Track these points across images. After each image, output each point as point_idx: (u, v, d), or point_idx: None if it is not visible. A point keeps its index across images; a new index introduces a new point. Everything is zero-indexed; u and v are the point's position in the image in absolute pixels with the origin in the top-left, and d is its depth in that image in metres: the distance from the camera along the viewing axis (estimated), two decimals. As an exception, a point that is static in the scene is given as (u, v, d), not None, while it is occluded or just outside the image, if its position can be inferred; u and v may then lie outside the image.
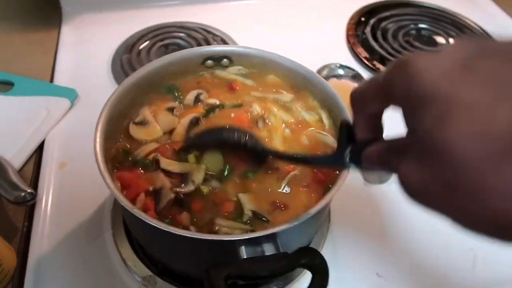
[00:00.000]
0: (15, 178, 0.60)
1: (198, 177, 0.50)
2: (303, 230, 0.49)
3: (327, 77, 0.84)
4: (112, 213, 0.61)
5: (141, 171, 0.50)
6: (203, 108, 0.58)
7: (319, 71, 0.84)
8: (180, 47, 0.89)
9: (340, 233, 0.61)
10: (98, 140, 0.47)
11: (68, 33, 0.94)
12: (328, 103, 0.57)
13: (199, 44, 0.90)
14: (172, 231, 0.40)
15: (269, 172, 0.51)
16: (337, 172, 0.47)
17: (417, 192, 0.27)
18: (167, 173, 0.50)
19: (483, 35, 0.98)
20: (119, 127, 0.54)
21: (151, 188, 0.48)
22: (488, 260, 0.60)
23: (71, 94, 0.77)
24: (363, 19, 1.03)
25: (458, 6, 1.07)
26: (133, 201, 0.47)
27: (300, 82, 0.59)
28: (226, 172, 0.50)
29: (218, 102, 0.58)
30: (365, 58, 0.90)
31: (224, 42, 0.92)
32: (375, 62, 0.89)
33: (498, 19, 1.07)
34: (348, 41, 0.95)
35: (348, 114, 0.50)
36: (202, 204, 0.48)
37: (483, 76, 0.23)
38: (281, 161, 0.50)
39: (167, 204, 0.48)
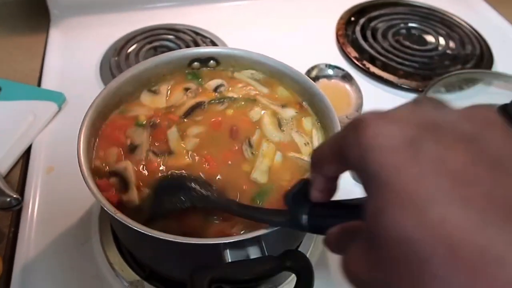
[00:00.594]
0: (0, 183, 0.60)
1: None
2: (289, 233, 0.48)
3: (316, 78, 0.84)
4: (99, 218, 0.61)
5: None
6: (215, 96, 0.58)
7: (309, 72, 0.84)
8: (169, 49, 0.89)
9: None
10: (81, 145, 0.46)
11: (56, 36, 0.93)
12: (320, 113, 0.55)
13: (188, 46, 0.89)
14: (155, 235, 0.39)
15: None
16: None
17: (353, 279, 0.26)
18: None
19: (474, 34, 0.98)
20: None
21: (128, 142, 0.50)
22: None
23: (58, 98, 0.77)
24: (353, 18, 1.02)
25: (448, 5, 1.07)
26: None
27: (289, 84, 0.59)
28: None
29: (235, 96, 0.58)
30: (355, 58, 0.90)
31: (213, 43, 0.92)
32: (365, 62, 0.89)
33: (487, 17, 1.07)
34: (338, 41, 0.95)
35: (338, 126, 0.50)
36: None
37: (426, 165, 0.22)
38: (234, 215, 0.45)
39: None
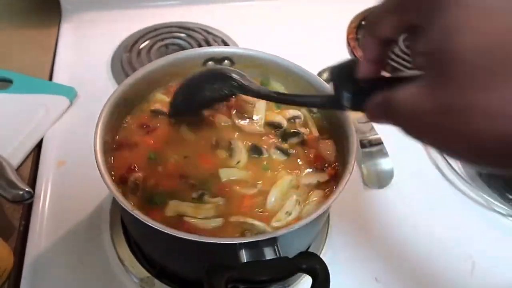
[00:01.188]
0: (13, 176, 0.60)
1: None
2: (303, 234, 0.49)
3: (327, 81, 0.84)
4: (110, 213, 0.61)
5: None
6: None
7: (319, 74, 0.84)
8: (180, 48, 0.89)
9: (339, 237, 0.61)
10: (98, 140, 0.46)
11: (68, 31, 0.93)
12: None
13: (199, 45, 0.89)
14: (171, 233, 0.40)
15: None
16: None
17: (410, 117, 0.26)
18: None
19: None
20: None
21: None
22: (487, 268, 0.60)
23: (70, 93, 0.77)
24: (363, 22, 1.02)
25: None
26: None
27: (302, 86, 0.59)
28: None
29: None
30: (365, 61, 0.90)
31: (224, 43, 0.92)
32: (375, 66, 0.89)
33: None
34: (349, 44, 0.95)
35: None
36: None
37: None
38: (275, 102, 0.49)
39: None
